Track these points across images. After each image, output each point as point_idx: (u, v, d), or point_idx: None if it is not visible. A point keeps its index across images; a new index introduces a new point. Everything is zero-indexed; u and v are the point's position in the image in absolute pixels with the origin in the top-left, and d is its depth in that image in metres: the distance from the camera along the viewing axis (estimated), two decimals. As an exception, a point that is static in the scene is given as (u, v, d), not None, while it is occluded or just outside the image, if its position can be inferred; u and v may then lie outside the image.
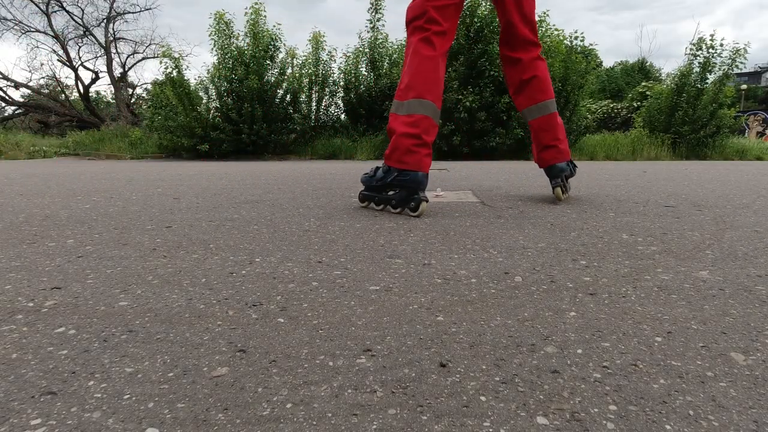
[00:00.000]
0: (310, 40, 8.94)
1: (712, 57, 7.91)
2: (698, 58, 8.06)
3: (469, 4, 6.98)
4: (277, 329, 0.66)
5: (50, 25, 13.61)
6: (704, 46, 7.95)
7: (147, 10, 16.05)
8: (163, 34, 18.47)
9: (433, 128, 1.60)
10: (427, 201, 1.58)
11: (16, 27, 13.72)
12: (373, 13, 9.35)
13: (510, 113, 6.97)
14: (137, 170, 4.46)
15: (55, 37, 13.68)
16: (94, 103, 14.97)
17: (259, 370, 0.54)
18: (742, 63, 7.76)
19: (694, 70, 8.09)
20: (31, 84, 14.73)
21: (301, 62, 8.81)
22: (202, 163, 6.52)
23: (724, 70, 7.89)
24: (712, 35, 7.88)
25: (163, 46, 8.16)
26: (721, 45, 7.83)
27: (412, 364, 0.55)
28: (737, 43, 9.35)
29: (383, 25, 9.52)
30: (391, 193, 1.65)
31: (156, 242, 1.21)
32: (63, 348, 0.60)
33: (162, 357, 0.57)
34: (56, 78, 15.44)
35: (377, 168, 1.70)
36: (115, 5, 14.26)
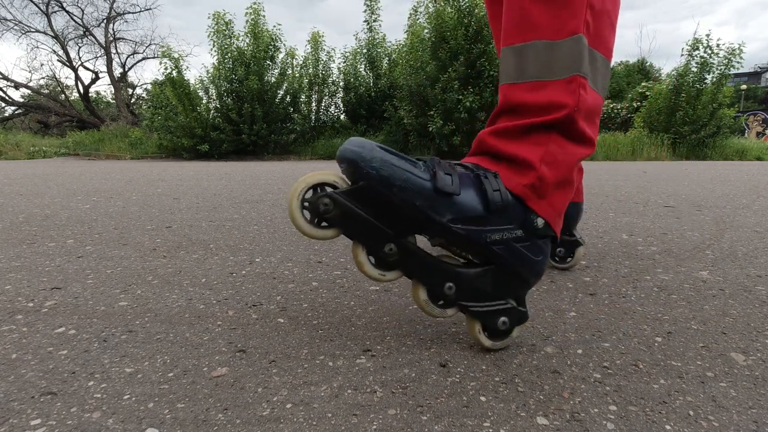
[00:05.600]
0: (309, 41, 8.95)
1: (710, 57, 7.93)
2: (695, 58, 8.08)
3: (468, 4, 6.98)
4: (277, 329, 0.66)
5: (50, 25, 13.63)
6: (701, 47, 7.97)
7: (147, 10, 16.09)
8: (163, 34, 18.55)
9: None
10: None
11: (16, 27, 13.74)
12: (369, 14, 9.35)
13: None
14: (137, 170, 4.46)
15: (55, 37, 13.69)
16: (94, 103, 14.97)
17: (259, 370, 0.54)
18: (738, 63, 7.78)
19: (692, 70, 8.11)
20: (31, 84, 14.75)
21: (301, 62, 8.81)
22: (202, 163, 6.52)
23: (721, 70, 7.91)
24: (707, 35, 7.91)
25: (162, 47, 8.17)
26: (718, 45, 7.84)
27: (412, 364, 0.55)
28: (732, 44, 9.39)
29: (380, 26, 9.52)
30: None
31: (156, 242, 1.20)
32: (63, 348, 0.60)
33: (162, 357, 0.57)
34: (56, 78, 15.45)
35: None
36: (115, 5, 14.29)
